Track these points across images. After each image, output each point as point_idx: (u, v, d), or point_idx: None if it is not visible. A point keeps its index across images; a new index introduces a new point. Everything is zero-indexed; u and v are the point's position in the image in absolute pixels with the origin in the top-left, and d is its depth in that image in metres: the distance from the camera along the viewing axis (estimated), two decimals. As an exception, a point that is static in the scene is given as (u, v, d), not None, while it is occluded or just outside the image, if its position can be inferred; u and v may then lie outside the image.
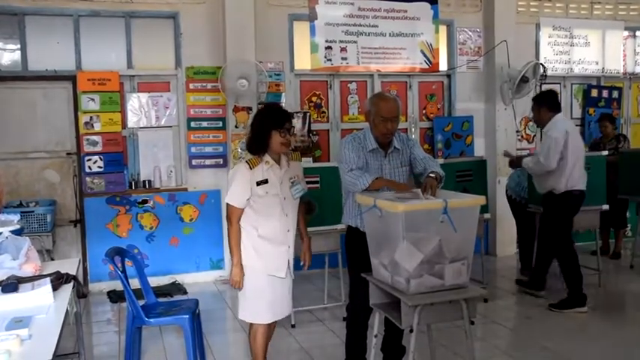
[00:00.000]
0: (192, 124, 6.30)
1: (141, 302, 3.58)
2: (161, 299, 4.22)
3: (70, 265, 3.18)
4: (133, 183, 6.18)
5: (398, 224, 2.73)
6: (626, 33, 8.05)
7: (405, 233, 2.72)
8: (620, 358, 4.06)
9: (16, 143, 5.88)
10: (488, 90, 7.27)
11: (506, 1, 7.20)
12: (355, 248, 3.40)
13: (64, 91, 6.01)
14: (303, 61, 6.63)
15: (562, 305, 5.01)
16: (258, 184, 3.29)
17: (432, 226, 2.77)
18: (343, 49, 6.66)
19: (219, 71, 6.12)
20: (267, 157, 3.33)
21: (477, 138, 7.30)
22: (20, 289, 2.58)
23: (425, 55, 7.01)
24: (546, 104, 5.11)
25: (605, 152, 5.84)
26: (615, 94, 7.98)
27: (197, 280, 6.26)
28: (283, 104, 6.46)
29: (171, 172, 6.31)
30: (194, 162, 6.32)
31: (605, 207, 5.62)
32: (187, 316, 3.50)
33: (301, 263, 3.63)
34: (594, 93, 7.92)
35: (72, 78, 5.95)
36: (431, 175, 3.11)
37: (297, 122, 6.46)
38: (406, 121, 7.19)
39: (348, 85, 6.94)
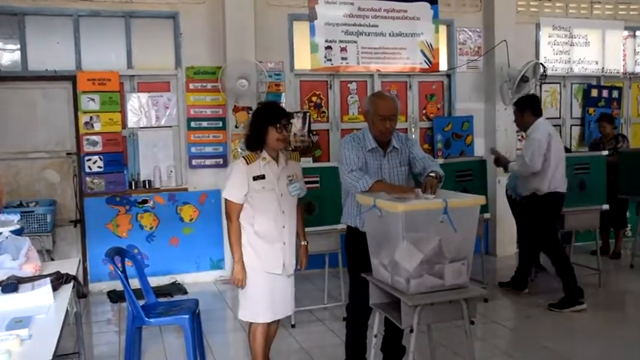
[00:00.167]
0: (192, 124, 6.30)
1: (141, 302, 3.58)
2: (161, 299, 4.22)
3: (70, 265, 3.18)
4: (133, 183, 6.18)
5: (398, 224, 2.73)
6: (626, 33, 8.05)
7: (404, 233, 2.72)
8: (620, 358, 4.06)
9: (16, 143, 5.88)
10: (488, 90, 7.27)
11: (506, 1, 7.20)
12: (355, 248, 3.40)
13: (64, 91, 6.01)
14: (303, 61, 6.63)
15: (562, 305, 5.01)
16: (255, 178, 3.31)
17: (432, 226, 2.77)
18: (343, 49, 6.66)
19: (219, 71, 6.12)
20: (264, 154, 3.35)
21: (477, 138, 7.31)
22: (20, 289, 2.58)
23: (425, 55, 7.01)
24: (530, 108, 5.20)
25: (605, 152, 5.84)
26: (615, 93, 7.98)
27: (197, 280, 6.26)
28: (283, 104, 6.45)
29: (171, 172, 6.31)
30: (194, 162, 6.32)
31: (605, 207, 5.62)
32: (187, 316, 3.50)
33: (297, 267, 3.63)
34: (594, 93, 7.92)
35: (72, 78, 5.95)
36: (431, 174, 3.12)
37: (297, 122, 6.47)
38: (406, 121, 7.19)
39: (348, 85, 6.94)
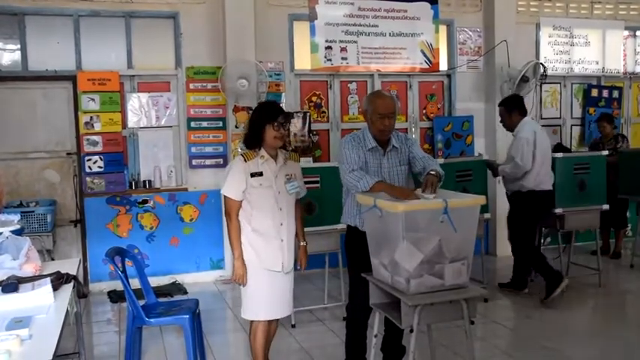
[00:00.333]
0: (193, 124, 6.30)
1: (141, 302, 3.58)
2: (161, 299, 4.22)
3: (70, 265, 3.18)
4: (133, 183, 6.18)
5: (398, 224, 2.73)
6: (626, 32, 8.05)
7: (405, 233, 2.72)
8: (620, 358, 4.06)
9: (16, 143, 5.88)
10: (488, 90, 7.27)
11: (506, 1, 7.20)
12: (355, 248, 3.40)
13: (64, 91, 6.01)
14: (303, 61, 6.63)
15: (549, 292, 5.08)
16: (253, 175, 3.34)
17: (432, 226, 2.77)
18: (343, 49, 6.66)
19: (219, 71, 6.13)
20: (262, 152, 3.39)
21: (477, 138, 7.30)
22: (20, 289, 2.58)
23: (425, 55, 7.01)
24: (517, 108, 5.35)
25: (605, 152, 5.84)
26: (615, 93, 7.98)
27: (197, 280, 6.26)
28: (283, 104, 6.46)
29: (171, 172, 6.32)
30: (194, 162, 6.33)
31: (605, 207, 5.62)
32: (187, 316, 3.50)
33: (298, 267, 3.66)
34: (594, 93, 7.92)
35: (72, 78, 5.95)
36: (431, 172, 3.13)
37: (297, 122, 6.48)
38: (406, 121, 7.20)
39: (348, 85, 6.94)
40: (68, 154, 6.05)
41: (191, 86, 6.28)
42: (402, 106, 7.13)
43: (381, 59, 6.83)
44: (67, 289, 2.72)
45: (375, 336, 3.26)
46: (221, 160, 6.33)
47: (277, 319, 3.62)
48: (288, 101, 6.55)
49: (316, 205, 4.78)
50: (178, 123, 6.33)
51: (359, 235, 3.32)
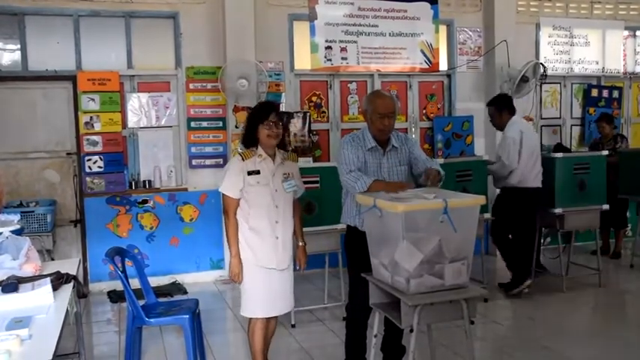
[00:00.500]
0: (192, 124, 6.30)
1: (141, 302, 3.58)
2: (161, 299, 4.22)
3: (70, 265, 3.18)
4: (133, 183, 6.18)
5: (398, 224, 2.73)
6: (626, 32, 8.05)
7: (404, 233, 2.72)
8: (620, 358, 4.06)
9: (16, 143, 5.88)
10: (488, 90, 7.26)
11: (506, 1, 7.20)
12: (355, 248, 3.40)
13: (64, 91, 6.01)
14: (303, 61, 6.63)
15: (510, 286, 5.36)
16: (250, 173, 3.39)
17: (432, 226, 2.77)
18: (343, 49, 6.66)
19: (219, 71, 6.13)
20: (260, 151, 3.44)
21: (477, 138, 7.30)
22: (20, 289, 2.58)
23: (425, 55, 7.01)
24: (507, 107, 5.49)
25: (605, 152, 5.84)
26: (615, 93, 7.98)
27: (197, 280, 6.26)
28: (283, 104, 6.48)
29: (171, 172, 6.32)
30: (194, 162, 6.33)
31: (605, 207, 5.62)
32: (187, 316, 3.50)
33: (297, 267, 3.67)
34: (594, 93, 7.92)
35: (72, 78, 5.95)
36: (434, 167, 3.18)
37: (297, 122, 6.48)
38: (406, 121, 7.20)
39: (348, 85, 6.94)
40: (68, 154, 6.05)
41: (191, 86, 6.28)
42: (402, 106, 7.13)
43: (381, 59, 6.83)
44: (67, 289, 2.72)
45: (375, 336, 3.26)
46: (221, 160, 6.33)
47: (276, 318, 3.64)
48: (288, 101, 6.55)
49: (316, 205, 4.78)
50: (178, 123, 6.33)
51: (359, 235, 3.32)
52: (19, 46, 5.88)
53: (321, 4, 6.52)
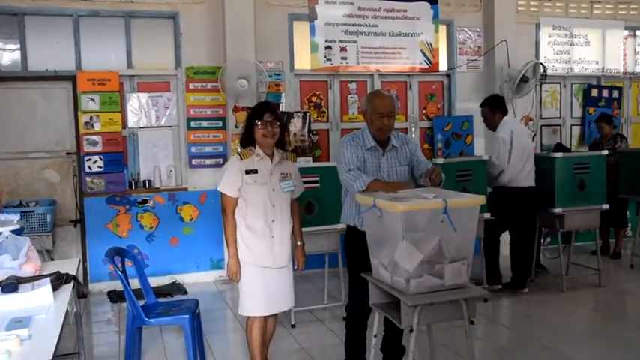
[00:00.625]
0: (192, 124, 6.30)
1: (141, 302, 3.59)
2: (161, 299, 4.22)
3: (70, 265, 3.18)
4: (133, 183, 6.18)
5: (397, 224, 2.73)
6: (626, 32, 8.05)
7: (404, 233, 2.72)
8: (620, 358, 4.06)
9: (16, 143, 5.88)
10: (488, 90, 7.25)
11: (506, 1, 7.20)
12: (355, 248, 3.40)
13: (64, 91, 6.01)
14: (303, 61, 6.63)
15: (489, 282, 5.41)
16: (247, 172, 3.42)
17: (432, 226, 2.77)
18: (343, 49, 6.65)
19: (219, 71, 6.12)
20: (258, 150, 3.47)
21: (477, 138, 7.30)
22: (20, 289, 2.58)
23: (425, 55, 7.01)
24: (500, 108, 5.57)
25: (605, 152, 5.85)
26: (615, 93, 7.98)
27: (197, 280, 6.26)
28: (283, 104, 6.48)
29: (171, 172, 6.32)
30: (194, 162, 6.33)
31: (605, 207, 5.62)
32: (187, 316, 3.50)
33: (295, 267, 3.68)
34: (594, 92, 7.92)
35: (72, 78, 5.95)
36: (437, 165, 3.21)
37: (297, 122, 6.48)
38: (406, 120, 7.20)
39: (348, 85, 6.94)
40: (68, 154, 6.05)
41: (191, 86, 6.28)
42: (402, 106, 7.13)
43: (380, 59, 6.83)
44: (67, 289, 2.72)
45: (375, 336, 3.26)
46: (221, 160, 6.33)
47: (275, 317, 3.65)
48: (288, 101, 6.55)
49: (316, 205, 4.79)
50: (178, 123, 6.33)
51: (358, 234, 3.32)
52: (18, 46, 5.88)
53: (321, 4, 6.52)
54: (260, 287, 3.45)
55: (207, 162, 6.34)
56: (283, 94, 6.55)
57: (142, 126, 6.24)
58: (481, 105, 5.78)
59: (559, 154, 5.53)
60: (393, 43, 6.85)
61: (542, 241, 6.10)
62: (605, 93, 7.95)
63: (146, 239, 6.17)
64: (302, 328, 4.71)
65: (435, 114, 7.30)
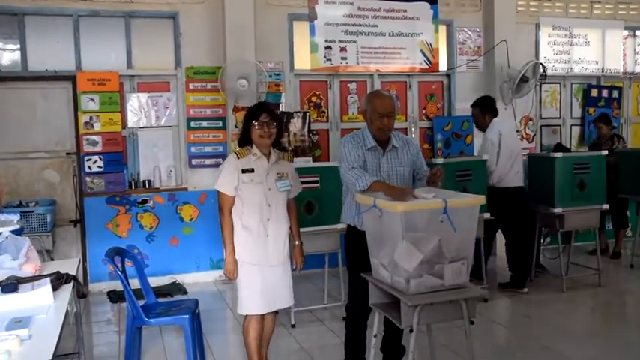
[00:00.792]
0: (192, 124, 6.30)
1: (141, 302, 3.58)
2: (161, 299, 4.22)
3: (70, 265, 3.18)
4: (133, 183, 6.18)
5: (397, 224, 2.73)
6: (625, 32, 8.05)
7: (404, 233, 2.72)
8: (620, 358, 4.06)
9: (16, 143, 5.88)
10: (488, 90, 7.24)
11: (506, 1, 7.20)
12: (355, 248, 3.40)
13: (63, 91, 6.01)
14: (303, 61, 6.63)
15: (507, 285, 5.49)
16: (244, 171, 3.44)
17: (432, 226, 2.77)
18: (343, 49, 6.65)
19: (219, 71, 6.12)
20: (255, 150, 3.48)
21: (477, 138, 7.27)
22: (20, 289, 2.58)
23: (425, 55, 7.01)
24: (490, 109, 5.62)
25: (605, 152, 5.85)
26: (615, 93, 7.98)
27: (197, 280, 6.26)
28: (283, 104, 6.48)
29: (171, 172, 6.32)
30: (194, 162, 6.33)
31: (605, 207, 5.62)
32: (187, 316, 3.50)
33: (293, 267, 3.68)
34: (594, 92, 7.92)
35: (72, 78, 5.95)
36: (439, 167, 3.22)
37: (297, 122, 6.48)
38: (406, 120, 7.20)
39: (348, 85, 6.94)
40: (68, 154, 6.05)
41: (191, 86, 6.28)
42: (402, 106, 7.13)
43: (380, 59, 6.83)
44: (67, 289, 2.72)
45: (375, 336, 3.26)
46: (221, 160, 6.29)
47: (273, 316, 3.65)
48: (288, 101, 6.55)
49: (316, 205, 4.79)
50: (178, 123, 6.33)
51: (358, 234, 3.32)
52: (18, 46, 5.88)
53: (321, 4, 6.52)
54: (256, 286, 3.46)
55: (207, 162, 6.34)
56: (283, 94, 6.55)
57: (141, 126, 6.24)
58: (472, 106, 5.82)
59: (559, 154, 5.53)
60: (392, 43, 6.85)
61: (542, 241, 6.10)
62: (604, 93, 7.95)
63: (146, 239, 6.17)
64: (302, 328, 4.71)
65: (435, 114, 7.30)
